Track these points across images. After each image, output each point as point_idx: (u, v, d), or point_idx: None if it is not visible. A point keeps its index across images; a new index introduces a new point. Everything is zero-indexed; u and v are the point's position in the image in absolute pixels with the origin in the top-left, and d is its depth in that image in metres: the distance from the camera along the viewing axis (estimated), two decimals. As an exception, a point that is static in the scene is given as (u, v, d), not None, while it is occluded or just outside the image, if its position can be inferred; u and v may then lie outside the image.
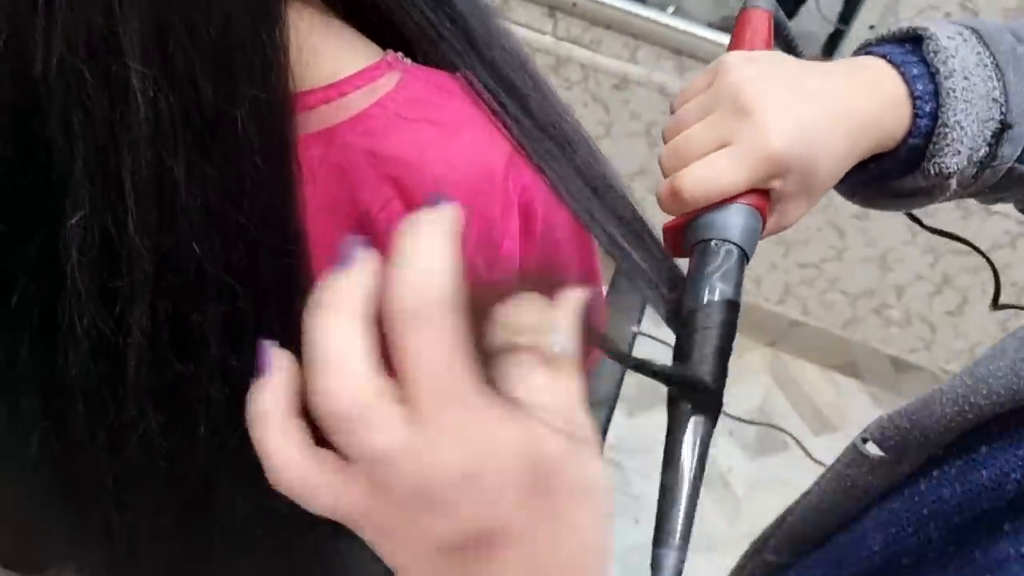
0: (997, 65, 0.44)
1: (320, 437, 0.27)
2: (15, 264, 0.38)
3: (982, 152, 0.44)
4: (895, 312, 1.76)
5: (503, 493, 0.26)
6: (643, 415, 1.75)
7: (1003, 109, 0.44)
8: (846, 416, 1.86)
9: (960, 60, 0.43)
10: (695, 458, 0.35)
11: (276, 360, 0.28)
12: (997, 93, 0.44)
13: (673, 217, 0.44)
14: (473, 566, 0.27)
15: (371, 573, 0.67)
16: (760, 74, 0.43)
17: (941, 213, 1.52)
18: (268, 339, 0.29)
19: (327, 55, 0.41)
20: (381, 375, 0.26)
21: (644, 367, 0.33)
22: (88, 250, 0.36)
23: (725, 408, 0.38)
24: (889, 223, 1.58)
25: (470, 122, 0.42)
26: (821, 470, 0.51)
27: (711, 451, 0.37)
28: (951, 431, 0.40)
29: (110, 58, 0.33)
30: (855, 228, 1.62)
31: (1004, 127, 0.44)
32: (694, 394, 0.36)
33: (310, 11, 0.40)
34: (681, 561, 0.34)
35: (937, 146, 0.43)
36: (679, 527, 0.34)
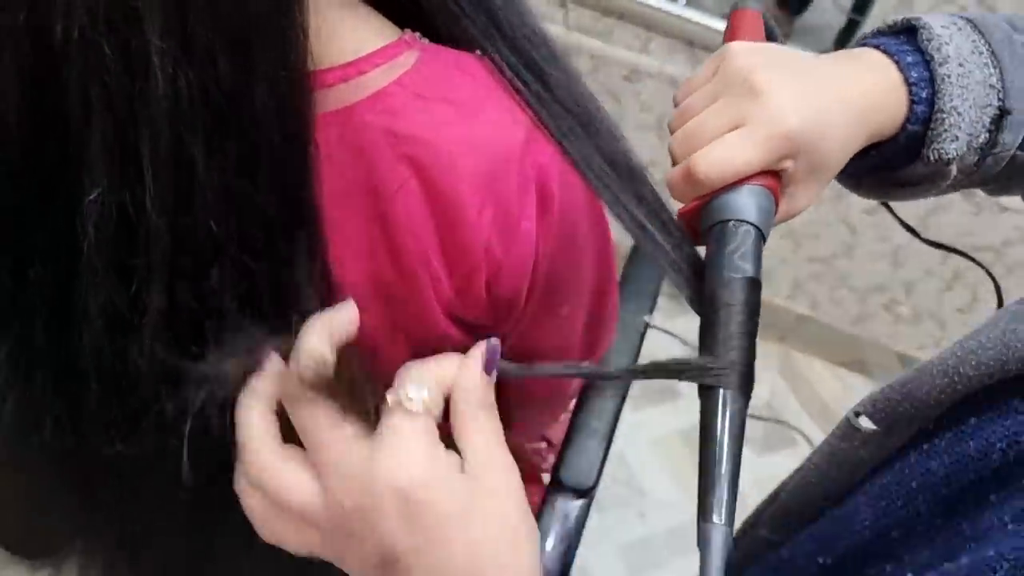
0: (993, 52, 0.45)
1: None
2: (31, 241, 0.38)
3: (982, 138, 0.45)
4: (905, 308, 1.75)
5: (386, 521, 0.33)
6: (648, 409, 1.75)
7: (1000, 95, 0.45)
8: (854, 413, 1.85)
9: (955, 47, 0.44)
10: (731, 433, 0.36)
11: (270, 363, 0.36)
12: (994, 80, 0.45)
13: (685, 204, 0.44)
14: None
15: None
16: (767, 59, 0.43)
17: (953, 210, 1.51)
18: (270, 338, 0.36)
19: (345, 33, 0.40)
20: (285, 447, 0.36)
21: (651, 371, 0.37)
22: (105, 227, 0.36)
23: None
24: (902, 215, 1.57)
25: (488, 101, 0.42)
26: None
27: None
28: (941, 403, 0.40)
29: (130, 32, 0.33)
30: (866, 223, 1.62)
31: (1003, 113, 0.45)
32: (715, 377, 0.36)
33: None
34: (729, 536, 0.34)
35: (935, 132, 0.44)
36: (724, 502, 0.35)
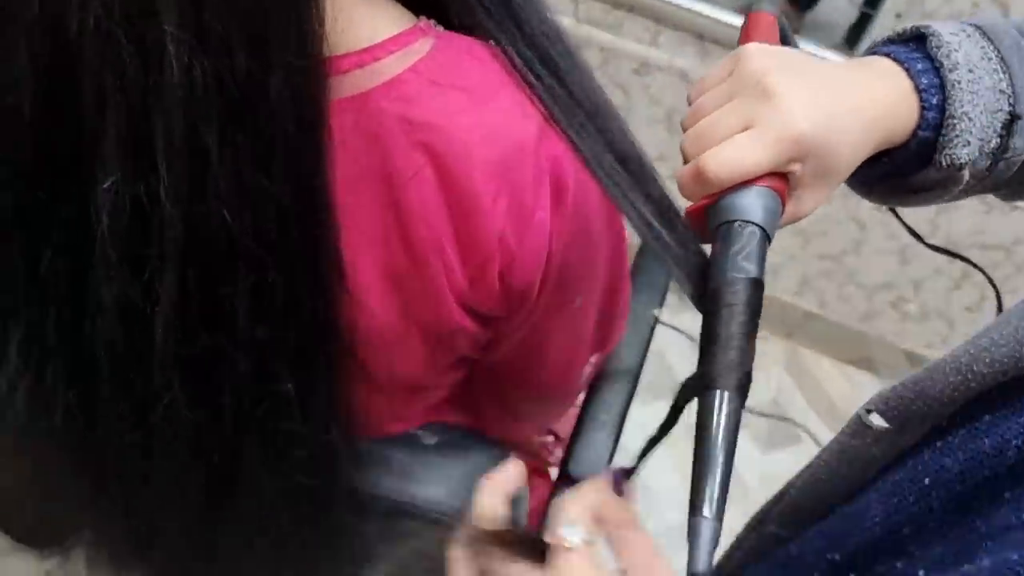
0: (1002, 58, 0.45)
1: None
2: (44, 230, 0.38)
3: (993, 143, 0.46)
4: (912, 306, 1.75)
5: None
6: (656, 404, 1.75)
7: (1011, 100, 0.45)
8: (860, 410, 1.85)
9: (964, 54, 0.45)
10: (726, 433, 0.36)
11: (507, 468, 0.42)
12: (1004, 85, 0.45)
13: (694, 203, 0.45)
14: None
15: (387, 554, 0.67)
16: (781, 63, 0.44)
17: (964, 208, 1.51)
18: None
19: (361, 20, 0.40)
20: None
21: (673, 412, 0.41)
22: (119, 217, 0.36)
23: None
24: (910, 217, 1.57)
25: (502, 89, 0.42)
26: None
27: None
28: (954, 400, 0.40)
29: (146, 22, 0.33)
30: (875, 220, 1.61)
31: (1014, 118, 0.45)
32: (712, 380, 0.38)
33: None
34: (717, 531, 0.35)
35: (947, 137, 0.45)
36: (715, 498, 0.35)
